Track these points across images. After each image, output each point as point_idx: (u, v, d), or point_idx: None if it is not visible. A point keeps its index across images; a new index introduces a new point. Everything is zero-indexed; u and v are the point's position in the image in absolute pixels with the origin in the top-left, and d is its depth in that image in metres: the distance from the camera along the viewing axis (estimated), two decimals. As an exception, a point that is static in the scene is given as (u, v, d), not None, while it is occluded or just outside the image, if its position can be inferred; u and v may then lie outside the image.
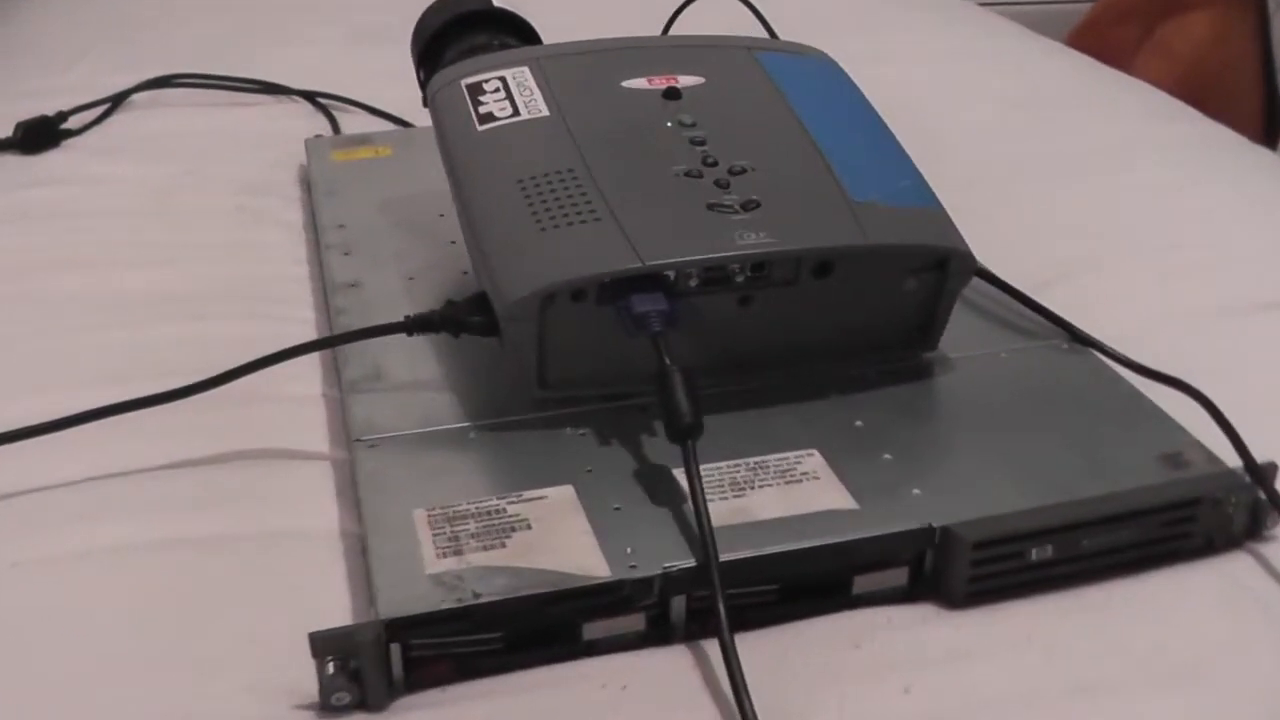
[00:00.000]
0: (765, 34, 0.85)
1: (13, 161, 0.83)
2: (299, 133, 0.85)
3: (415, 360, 0.54)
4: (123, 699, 0.42)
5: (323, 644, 0.39)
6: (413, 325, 0.51)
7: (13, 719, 0.41)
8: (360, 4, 1.13)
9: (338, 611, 0.45)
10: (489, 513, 0.45)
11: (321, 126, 0.89)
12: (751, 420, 0.51)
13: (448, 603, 0.40)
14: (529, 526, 0.44)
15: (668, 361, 0.46)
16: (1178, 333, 0.63)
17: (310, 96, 0.93)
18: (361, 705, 0.40)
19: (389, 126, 0.89)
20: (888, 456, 0.49)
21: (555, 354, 0.50)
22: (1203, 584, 0.47)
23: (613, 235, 0.49)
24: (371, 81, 0.93)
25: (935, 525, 0.45)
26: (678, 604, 0.43)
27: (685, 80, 0.57)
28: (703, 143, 0.53)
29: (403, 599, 0.41)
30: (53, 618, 0.45)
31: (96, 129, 0.88)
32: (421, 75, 0.67)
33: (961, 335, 0.56)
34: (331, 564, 0.48)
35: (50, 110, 0.86)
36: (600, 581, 0.42)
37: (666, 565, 0.42)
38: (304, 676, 0.41)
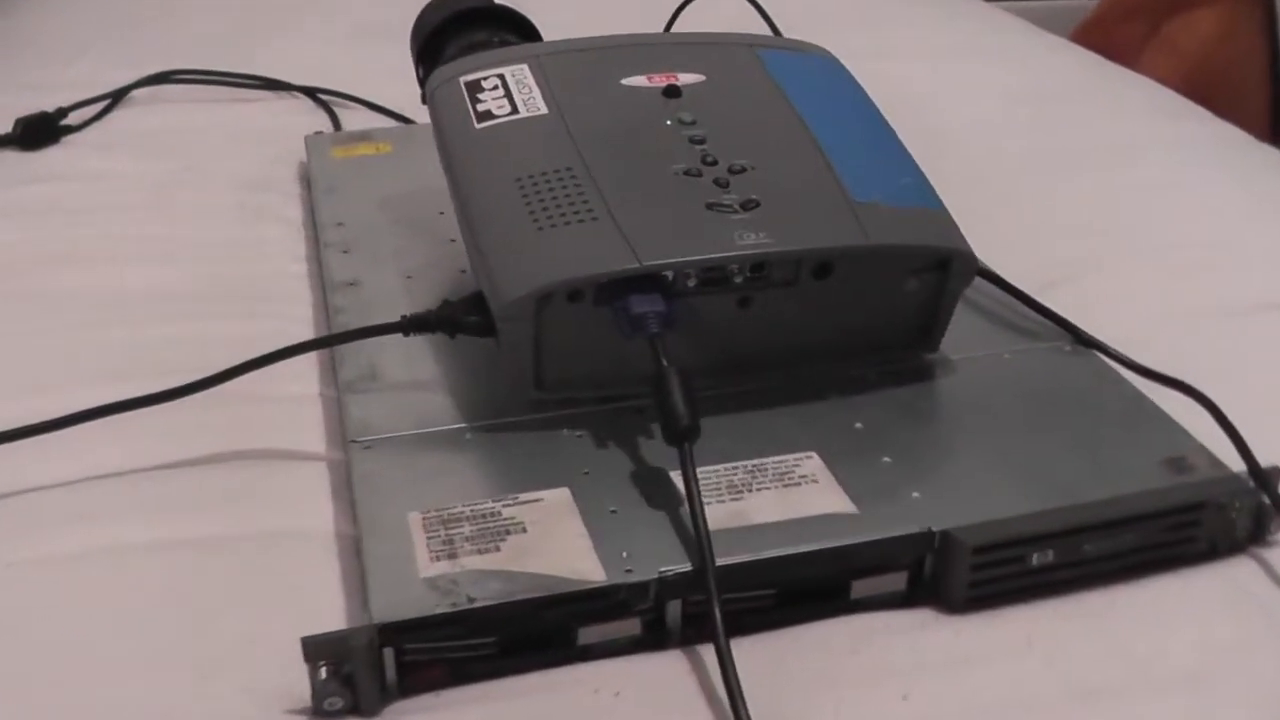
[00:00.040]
0: (768, 30, 0.85)
1: (12, 158, 0.82)
2: (300, 129, 0.84)
3: (412, 360, 0.54)
4: (118, 700, 0.42)
5: (315, 649, 0.39)
6: (409, 325, 0.51)
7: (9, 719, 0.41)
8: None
9: (333, 613, 0.45)
10: (484, 515, 0.44)
11: (322, 123, 0.89)
12: (750, 422, 0.50)
13: (441, 607, 0.40)
14: (524, 530, 0.44)
15: (665, 363, 0.46)
16: (1182, 333, 0.62)
17: (311, 92, 0.93)
18: (354, 710, 0.40)
19: (390, 123, 0.88)
20: (887, 459, 0.48)
21: (552, 355, 0.50)
22: (1206, 589, 0.46)
23: (610, 235, 0.48)
24: (373, 77, 0.92)
25: (935, 529, 0.44)
26: (673, 608, 0.42)
27: (685, 78, 0.56)
28: (702, 141, 0.53)
29: (396, 603, 0.40)
30: (49, 618, 0.45)
31: (96, 125, 0.87)
32: (421, 72, 0.66)
33: (963, 336, 0.56)
34: (327, 565, 0.47)
35: (50, 106, 0.85)
36: (595, 586, 0.41)
37: (662, 570, 0.42)
38: (299, 679, 0.40)
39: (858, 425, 0.50)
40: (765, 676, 0.42)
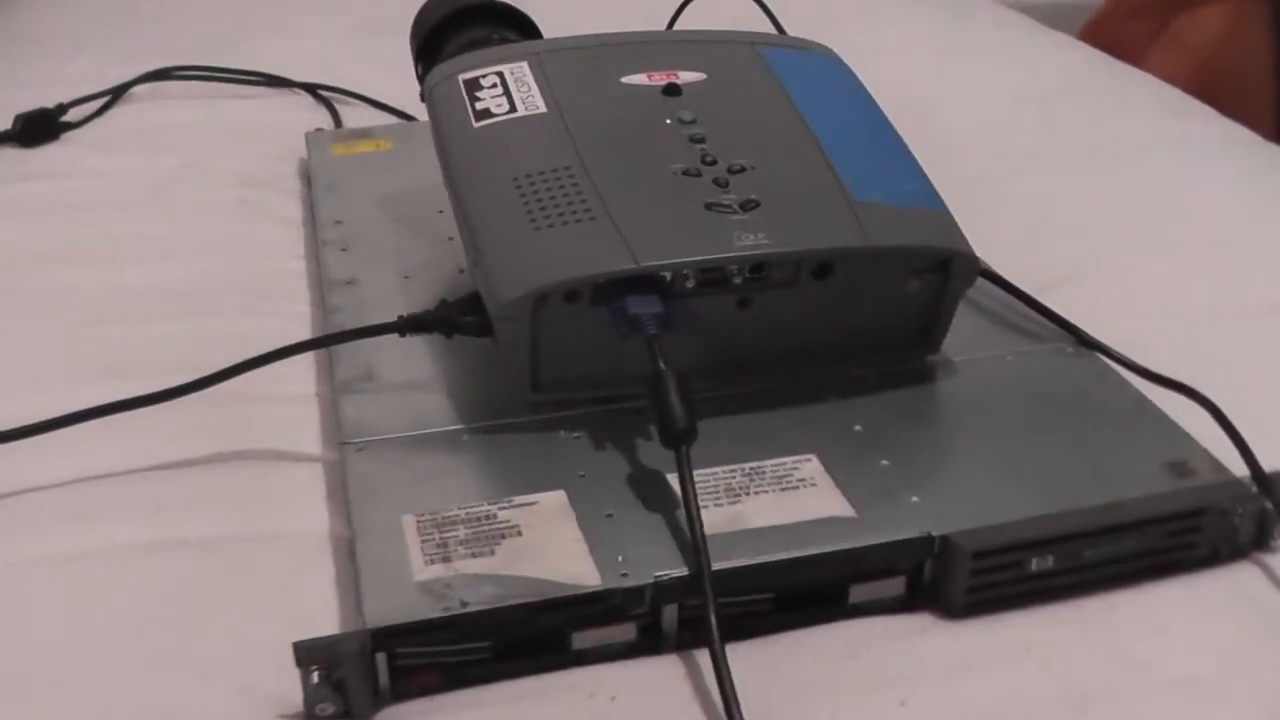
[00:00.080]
0: (772, 28, 0.84)
1: (11, 154, 0.82)
2: (300, 125, 0.84)
3: (408, 360, 0.54)
4: (110, 702, 0.41)
5: (307, 654, 0.39)
6: (405, 326, 0.51)
7: (1, 720, 0.41)
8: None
9: (328, 616, 0.45)
10: (479, 519, 0.44)
11: (323, 119, 0.88)
12: (749, 424, 0.50)
13: (434, 612, 0.40)
14: (519, 533, 0.43)
15: (662, 365, 0.45)
16: (1186, 335, 0.62)
17: (312, 89, 0.92)
18: (346, 715, 0.40)
19: (391, 120, 0.88)
20: (886, 462, 0.48)
21: (549, 355, 0.49)
22: (1207, 596, 0.46)
23: (608, 235, 0.48)
24: (374, 74, 0.92)
25: (934, 534, 0.44)
26: (669, 613, 0.42)
27: (686, 76, 0.56)
28: (702, 140, 0.52)
29: (389, 607, 0.40)
30: (42, 619, 0.45)
31: (96, 121, 0.87)
32: (420, 69, 0.66)
33: (965, 337, 0.55)
34: (322, 567, 0.47)
35: (50, 102, 0.85)
36: (590, 590, 0.41)
37: (658, 574, 0.41)
38: (293, 683, 0.40)
39: (857, 428, 0.50)
40: (761, 682, 0.41)
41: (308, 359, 0.58)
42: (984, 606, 0.44)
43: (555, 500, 0.45)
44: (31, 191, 0.77)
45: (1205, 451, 0.49)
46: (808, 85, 0.57)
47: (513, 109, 0.53)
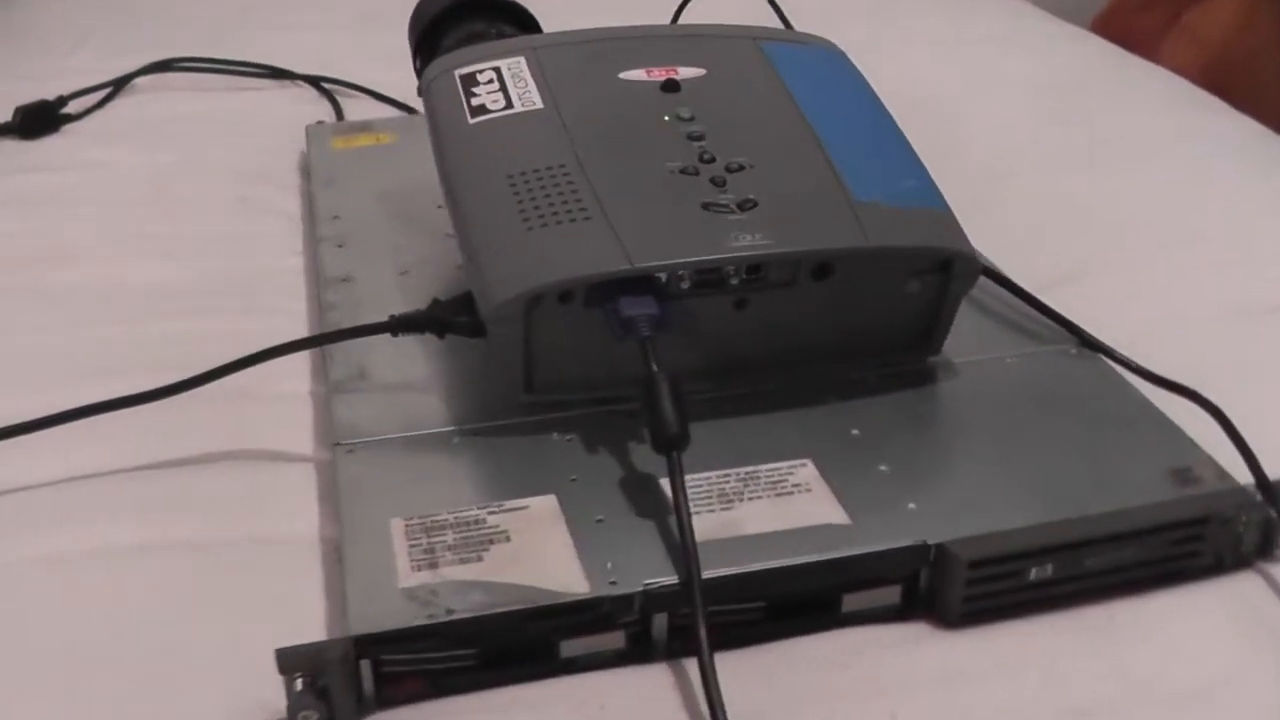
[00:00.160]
0: (778, 22, 0.83)
1: (11, 147, 0.82)
2: (302, 118, 0.83)
3: (402, 360, 0.53)
4: (96, 707, 0.41)
5: (290, 661, 0.38)
6: (397, 325, 0.50)
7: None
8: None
9: (315, 621, 0.44)
10: (468, 523, 0.43)
11: (326, 112, 0.88)
12: (745, 427, 0.49)
13: (419, 619, 0.39)
14: (508, 539, 0.43)
15: (655, 368, 0.45)
16: (1194, 336, 0.61)
17: (314, 81, 0.92)
18: (330, 722, 0.39)
19: (394, 113, 0.87)
20: (884, 468, 0.47)
21: (542, 357, 0.49)
22: (1210, 605, 0.45)
23: (602, 235, 0.47)
24: (378, 66, 0.91)
25: (930, 542, 0.43)
26: (659, 621, 0.41)
27: (686, 72, 0.55)
28: (700, 138, 0.51)
29: (374, 614, 0.40)
30: (28, 621, 0.44)
31: (97, 114, 0.87)
32: (418, 63, 0.65)
33: (966, 338, 0.55)
34: (312, 571, 0.47)
35: (51, 94, 0.85)
36: (578, 599, 0.40)
37: (647, 582, 0.41)
38: (279, 689, 0.39)
39: (855, 432, 0.49)
40: (752, 691, 0.41)
41: (302, 357, 0.58)
42: (981, 616, 0.44)
43: (545, 505, 0.44)
44: (30, 184, 0.77)
45: (1209, 458, 0.48)
46: (809, 81, 0.56)
47: (509, 105, 0.53)
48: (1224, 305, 0.64)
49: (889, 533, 0.43)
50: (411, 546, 0.42)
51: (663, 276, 0.48)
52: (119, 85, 0.89)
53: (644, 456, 0.47)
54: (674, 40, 0.57)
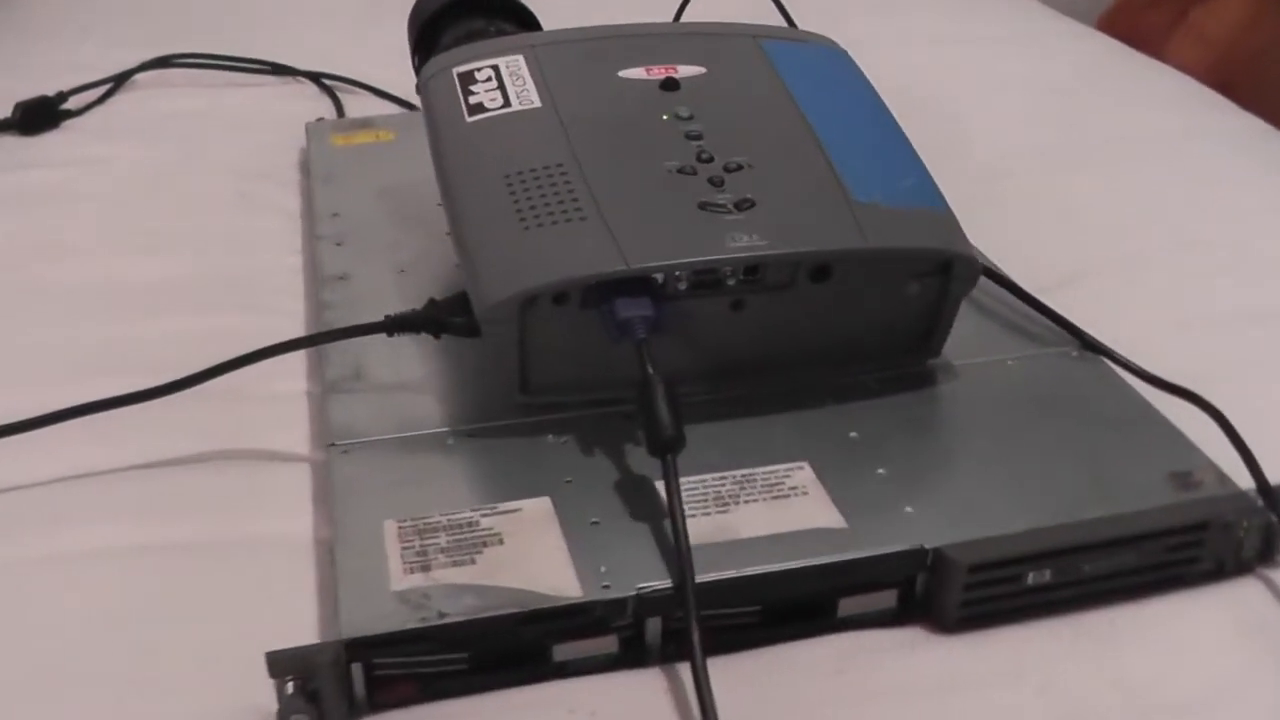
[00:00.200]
0: (781, 18, 0.83)
1: (10, 143, 0.81)
2: (303, 115, 0.83)
3: (398, 360, 0.53)
4: (84, 711, 0.41)
5: (280, 664, 0.38)
6: (392, 325, 0.50)
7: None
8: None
9: (308, 623, 0.44)
10: (461, 526, 0.43)
11: (327, 108, 0.88)
12: (741, 430, 0.49)
13: (411, 622, 0.39)
14: (501, 541, 0.42)
15: (650, 370, 0.44)
16: (1197, 338, 0.60)
17: (316, 77, 0.91)
18: (321, 726, 0.39)
19: (394, 109, 0.87)
20: (881, 471, 0.47)
21: (538, 358, 0.48)
22: (1210, 612, 0.45)
23: (598, 235, 0.47)
24: (379, 62, 0.91)
25: (927, 547, 0.43)
26: (653, 625, 0.41)
27: (685, 70, 0.54)
28: (699, 137, 0.51)
29: (365, 617, 0.39)
30: (14, 624, 0.44)
31: (97, 109, 0.86)
32: (416, 61, 0.65)
33: (967, 340, 0.54)
34: (305, 572, 0.46)
35: (51, 90, 0.84)
36: (570, 602, 0.40)
37: (641, 586, 0.41)
38: (270, 691, 0.39)
39: (853, 434, 0.49)
40: (746, 696, 0.40)
41: (298, 356, 0.58)
42: (978, 621, 0.43)
43: (539, 507, 0.44)
44: (29, 181, 0.77)
45: (1210, 462, 0.47)
46: (809, 80, 0.55)
47: (506, 103, 0.52)
48: (1228, 307, 0.64)
49: (886, 537, 0.43)
50: (404, 549, 0.42)
51: (659, 277, 0.47)
52: (119, 81, 0.89)
53: (640, 458, 0.46)
54: (674, 38, 0.57)
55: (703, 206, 0.48)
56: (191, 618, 0.44)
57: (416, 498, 0.45)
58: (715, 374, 0.51)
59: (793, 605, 0.43)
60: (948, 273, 0.51)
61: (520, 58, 0.54)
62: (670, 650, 0.42)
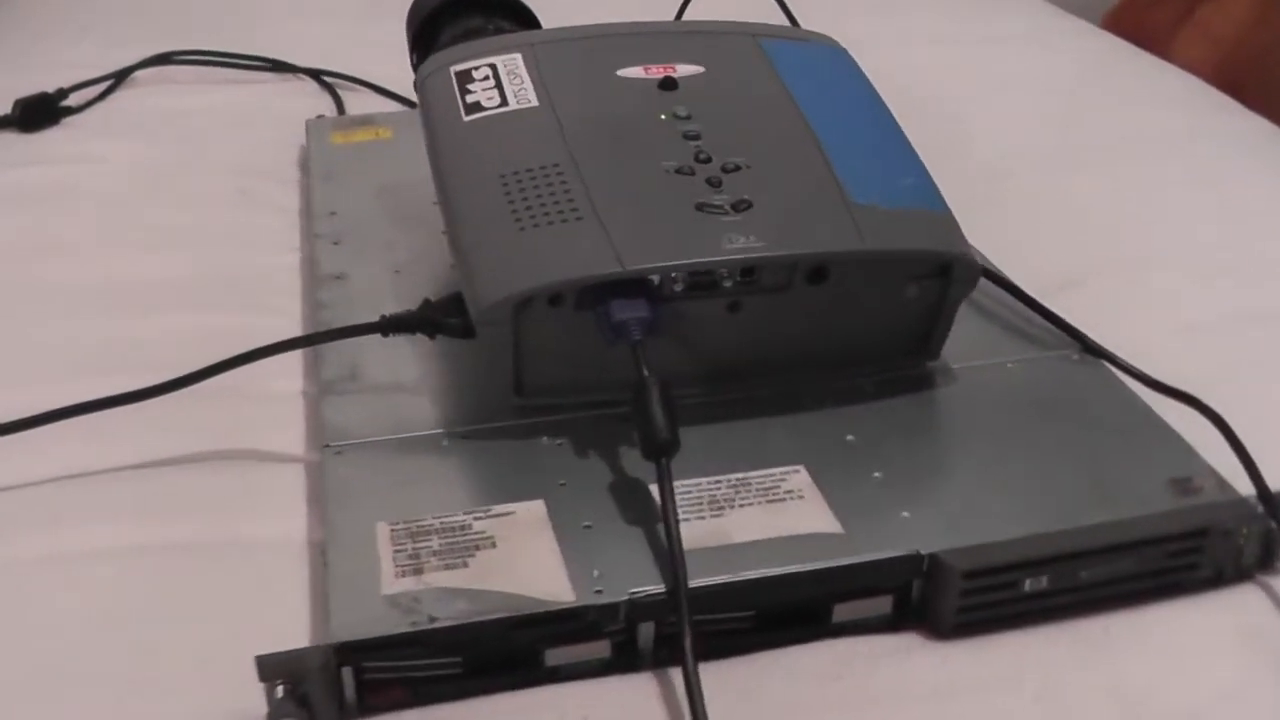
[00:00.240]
0: (784, 17, 0.82)
1: (10, 139, 0.81)
2: (304, 112, 0.83)
3: (393, 361, 0.53)
4: (75, 713, 0.41)
5: (270, 668, 0.38)
6: (387, 326, 0.50)
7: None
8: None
9: (301, 624, 0.44)
10: (454, 529, 0.43)
11: (327, 106, 0.87)
12: (738, 432, 0.48)
13: (401, 627, 0.39)
14: (494, 545, 0.42)
15: (645, 373, 0.44)
16: (1201, 343, 0.60)
17: (316, 75, 0.91)
18: (311, 730, 0.39)
19: (395, 106, 0.87)
20: (878, 475, 0.46)
21: (533, 359, 0.48)
22: (1210, 619, 0.44)
23: (594, 237, 0.46)
24: (380, 59, 0.90)
25: (923, 552, 0.42)
26: (645, 630, 0.41)
27: (684, 70, 0.54)
28: (697, 137, 0.51)
29: (356, 621, 0.39)
30: (10, 625, 0.44)
31: (97, 106, 0.86)
32: (415, 59, 0.65)
33: (966, 343, 0.54)
34: (299, 575, 0.46)
35: (51, 87, 0.84)
36: (562, 607, 0.40)
37: (633, 591, 0.40)
38: (262, 694, 0.39)
39: (850, 438, 0.48)
40: (739, 702, 0.40)
41: (295, 354, 0.57)
42: (975, 627, 0.43)
43: (533, 510, 0.44)
44: (28, 178, 0.76)
45: (1210, 468, 0.47)
46: (809, 80, 0.55)
47: (504, 102, 0.52)
48: (1232, 309, 0.63)
49: (881, 542, 0.43)
50: (396, 552, 0.42)
51: (655, 279, 0.47)
52: (119, 78, 0.88)
53: (635, 461, 0.46)
54: (673, 37, 0.56)
55: (700, 207, 0.48)
56: (186, 619, 0.44)
57: (410, 500, 0.44)
58: (711, 376, 0.50)
59: (787, 611, 0.42)
60: (946, 275, 0.50)
61: (518, 56, 0.54)
62: (663, 655, 0.41)
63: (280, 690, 0.38)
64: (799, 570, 0.42)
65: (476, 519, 0.43)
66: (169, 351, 0.56)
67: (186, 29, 0.97)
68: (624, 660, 0.41)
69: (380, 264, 0.61)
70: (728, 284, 0.48)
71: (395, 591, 0.40)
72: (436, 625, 0.39)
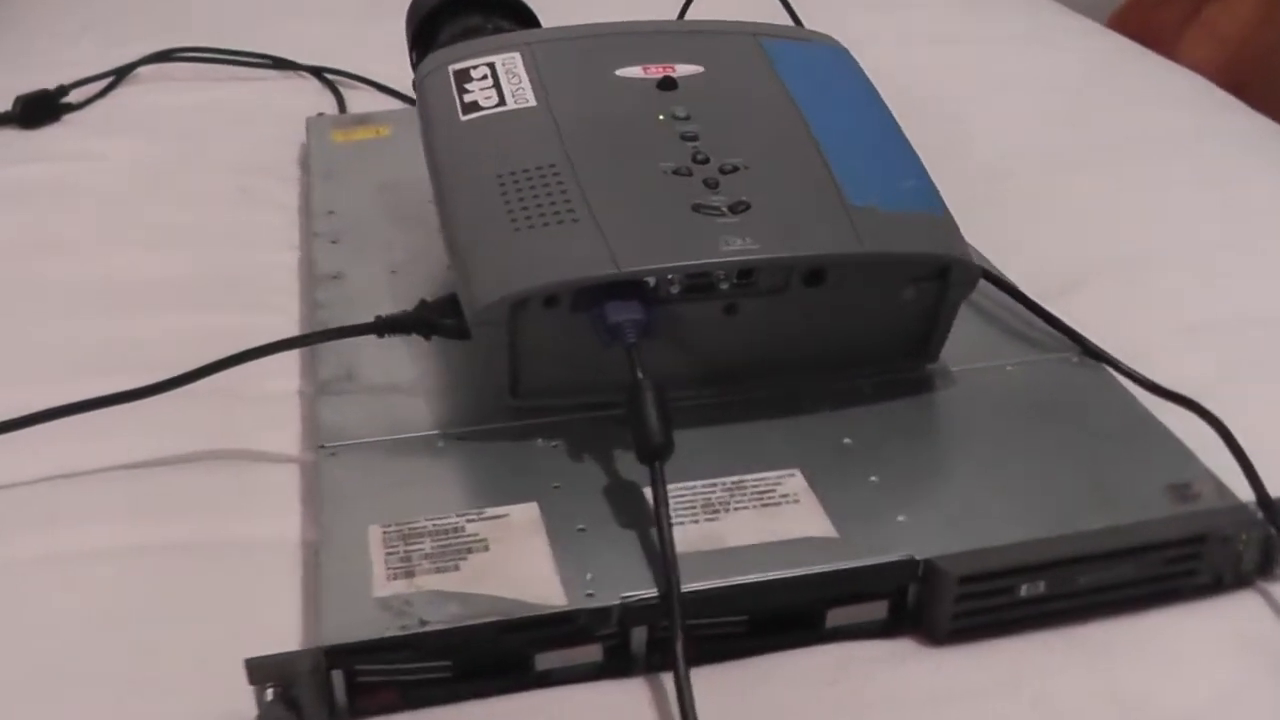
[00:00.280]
0: (787, 16, 0.82)
1: (10, 136, 0.81)
2: (305, 109, 0.83)
3: (389, 361, 0.52)
4: (71, 712, 0.40)
5: (260, 671, 0.38)
6: (382, 326, 0.49)
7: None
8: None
9: (293, 626, 0.44)
10: (446, 531, 0.43)
11: (329, 103, 0.87)
12: (734, 435, 0.48)
13: (392, 630, 0.39)
14: (486, 548, 0.42)
15: (640, 375, 0.44)
16: (1203, 344, 0.59)
17: (317, 72, 0.91)
18: (301, 733, 0.39)
19: (397, 104, 0.87)
20: (874, 479, 0.46)
21: (528, 361, 0.48)
22: (1208, 626, 0.44)
23: (590, 238, 0.46)
24: (382, 56, 0.90)
25: (919, 557, 0.42)
26: (638, 635, 0.41)
27: (683, 69, 0.54)
28: (695, 138, 0.50)
29: (346, 624, 0.39)
30: (5, 625, 0.44)
31: (98, 103, 0.86)
32: (414, 57, 0.65)
33: (965, 345, 0.53)
34: (292, 576, 0.46)
35: (52, 84, 0.84)
36: (553, 611, 0.39)
37: (625, 595, 0.40)
38: (250, 698, 0.39)
39: (846, 441, 0.48)
40: (731, 708, 0.40)
41: (292, 354, 0.57)
42: (971, 633, 0.43)
43: (526, 513, 0.44)
44: (28, 175, 0.76)
45: (1210, 473, 0.46)
46: (809, 80, 0.55)
47: (501, 102, 0.52)
48: (1234, 312, 0.63)
49: (877, 546, 0.42)
50: (388, 554, 0.42)
51: (650, 281, 0.47)
52: (120, 75, 0.88)
53: (629, 464, 0.46)
54: (673, 36, 0.56)
55: (697, 209, 0.47)
56: (181, 619, 0.44)
57: (404, 501, 0.44)
58: (708, 378, 0.50)
59: (782, 615, 0.42)
60: (945, 277, 0.50)
61: (517, 55, 0.54)
62: (656, 660, 0.41)
63: (270, 693, 0.38)
64: (793, 575, 0.41)
65: (470, 521, 0.43)
66: (167, 350, 0.55)
67: (188, 26, 0.97)
68: (616, 665, 0.41)
69: (378, 263, 0.61)
70: (724, 286, 0.48)
71: (387, 594, 0.40)
72: (427, 629, 0.39)
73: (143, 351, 0.58)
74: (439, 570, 0.41)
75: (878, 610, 0.43)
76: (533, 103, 0.51)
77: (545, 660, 0.40)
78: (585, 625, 0.40)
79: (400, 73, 0.88)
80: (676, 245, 0.46)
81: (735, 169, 0.49)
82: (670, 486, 0.43)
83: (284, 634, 0.43)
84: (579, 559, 0.41)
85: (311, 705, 0.38)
